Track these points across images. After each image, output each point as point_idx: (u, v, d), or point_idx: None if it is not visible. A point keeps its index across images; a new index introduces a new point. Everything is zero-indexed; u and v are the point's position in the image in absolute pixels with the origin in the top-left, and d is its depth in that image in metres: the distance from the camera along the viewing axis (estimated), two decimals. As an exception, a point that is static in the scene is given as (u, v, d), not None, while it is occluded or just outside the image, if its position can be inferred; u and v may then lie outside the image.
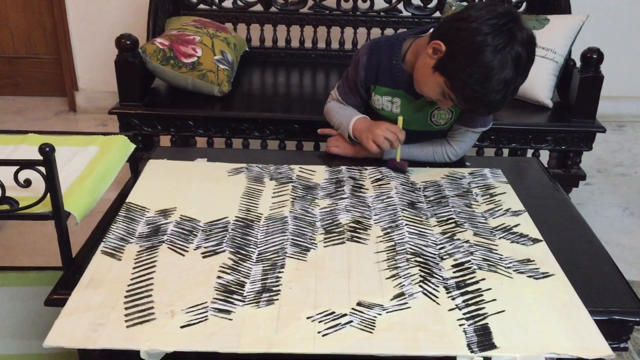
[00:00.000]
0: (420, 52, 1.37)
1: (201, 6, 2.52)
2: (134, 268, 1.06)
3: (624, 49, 2.98)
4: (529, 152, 2.13)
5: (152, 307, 0.97)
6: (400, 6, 2.51)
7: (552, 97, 2.14)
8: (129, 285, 1.02)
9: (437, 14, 2.51)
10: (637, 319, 1.02)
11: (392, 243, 1.16)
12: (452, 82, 1.27)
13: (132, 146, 1.42)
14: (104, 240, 1.14)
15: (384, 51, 1.47)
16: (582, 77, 1.99)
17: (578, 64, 2.06)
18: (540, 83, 2.08)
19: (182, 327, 0.93)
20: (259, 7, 2.52)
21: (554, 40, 2.11)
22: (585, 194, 2.43)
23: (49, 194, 1.07)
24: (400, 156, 1.44)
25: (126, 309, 0.96)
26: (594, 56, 1.97)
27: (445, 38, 1.28)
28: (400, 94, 1.47)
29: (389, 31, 2.57)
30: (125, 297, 0.99)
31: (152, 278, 1.04)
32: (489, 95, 1.23)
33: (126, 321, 0.94)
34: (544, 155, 2.25)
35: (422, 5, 2.50)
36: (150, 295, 0.99)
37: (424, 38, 1.39)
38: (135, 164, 1.45)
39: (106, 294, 0.99)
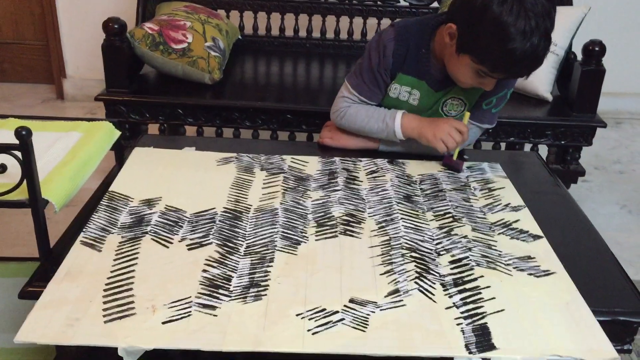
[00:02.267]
0: (444, 45, 1.30)
1: (193, -8, 2.45)
2: (115, 260, 1.01)
3: (623, 44, 2.94)
4: (527, 147, 2.09)
5: (132, 302, 0.91)
6: (398, -4, 2.46)
7: (552, 91, 2.10)
8: (108, 278, 0.96)
9: (435, 4, 2.45)
10: (643, 320, 0.97)
11: (387, 237, 1.11)
12: (477, 55, 1.21)
13: (117, 133, 1.36)
14: (83, 230, 1.08)
15: (412, 37, 1.36)
16: (584, 71, 1.95)
17: (579, 57, 2.02)
18: (540, 76, 2.04)
19: (163, 323, 0.88)
20: (253, -6, 2.46)
21: (555, 32, 2.02)
22: (582, 191, 2.39)
23: (25, 181, 1.01)
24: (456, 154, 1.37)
25: (105, 303, 0.91)
26: (596, 49, 1.92)
27: (454, 18, 1.24)
28: (422, 86, 1.39)
29: (386, 21, 2.52)
30: (104, 290, 0.94)
31: (133, 271, 0.98)
32: (515, 52, 1.16)
33: (104, 316, 0.88)
34: (542, 150, 2.21)
35: (419, -5, 2.45)
36: (130, 289, 0.94)
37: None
38: (121, 152, 1.39)
39: (84, 287, 0.94)
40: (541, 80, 2.04)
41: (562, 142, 2.00)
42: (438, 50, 1.35)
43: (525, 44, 1.16)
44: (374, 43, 1.40)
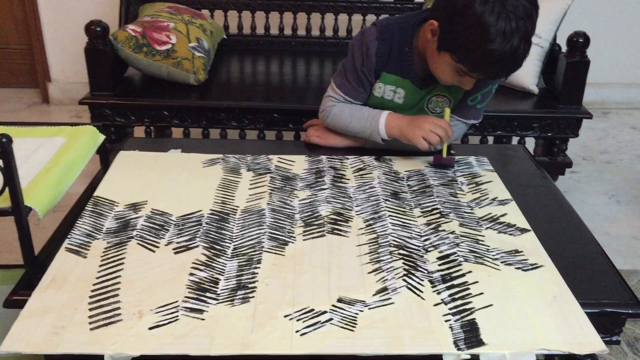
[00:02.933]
0: (426, 42, 1.30)
1: (176, -8, 2.44)
2: (100, 266, 1.00)
3: (608, 35, 2.96)
4: (515, 140, 2.09)
5: (118, 308, 0.90)
6: (382, -8, 2.46)
7: (538, 83, 2.10)
8: (94, 285, 0.95)
9: (420, -1, 2.45)
10: (630, 311, 0.97)
11: (375, 235, 1.11)
12: (456, 54, 1.21)
13: (101, 137, 1.35)
14: (68, 236, 1.07)
15: (395, 36, 1.35)
16: (568, 62, 1.95)
17: (564, 49, 2.02)
18: (525, 69, 2.01)
19: (150, 328, 0.87)
20: (237, -7, 2.45)
21: (539, 24, 2.01)
22: (571, 181, 2.40)
23: (7, 188, 0.99)
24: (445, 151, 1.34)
25: (90, 310, 0.90)
26: (580, 40, 1.93)
27: (437, 14, 1.24)
28: (406, 85, 1.38)
29: (371, 17, 2.51)
30: (90, 297, 0.93)
31: (119, 276, 0.97)
32: (493, 52, 1.16)
33: (90, 323, 0.87)
34: (530, 143, 2.21)
35: (404, -10, 2.45)
36: (117, 295, 0.93)
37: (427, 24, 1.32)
38: (106, 156, 1.38)
39: (69, 295, 0.93)
40: (527, 73, 2.05)
41: (549, 134, 2.00)
42: (421, 47, 1.34)
43: (504, 46, 1.15)
44: (357, 43, 1.39)
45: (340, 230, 1.12)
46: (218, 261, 1.02)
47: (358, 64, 1.38)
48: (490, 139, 2.09)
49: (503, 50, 1.15)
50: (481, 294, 0.96)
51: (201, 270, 1.00)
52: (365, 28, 1.41)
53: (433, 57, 1.28)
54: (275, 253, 1.05)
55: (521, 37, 1.16)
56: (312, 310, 0.92)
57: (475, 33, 1.16)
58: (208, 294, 0.94)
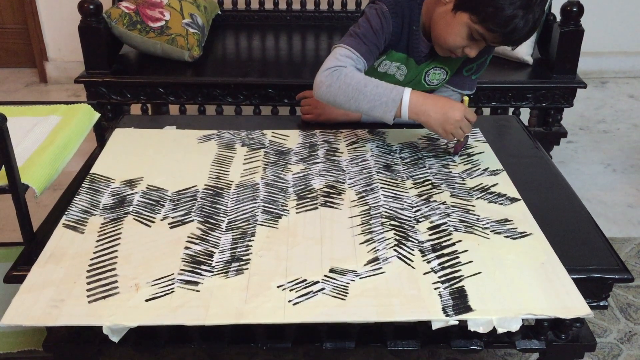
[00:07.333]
0: (433, 8, 1.28)
1: (170, -32, 2.42)
2: (97, 241, 1.02)
3: (606, 3, 2.93)
4: (510, 111, 2.10)
5: (115, 281, 0.93)
6: (377, -37, 2.43)
7: (533, 54, 2.09)
8: (91, 259, 0.98)
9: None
10: (616, 277, 0.99)
11: (367, 207, 1.13)
12: (479, 12, 1.18)
13: (96, 115, 1.36)
14: (66, 213, 1.09)
15: (406, 13, 1.32)
16: (562, 32, 1.94)
17: (558, 18, 2.01)
18: (520, 39, 2.03)
19: (147, 300, 0.90)
20: (230, -32, 2.43)
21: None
22: (567, 151, 2.40)
23: (3, 166, 1.01)
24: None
25: (88, 283, 0.92)
26: (574, 9, 1.91)
27: None
28: (410, 62, 1.38)
29: (366, -10, 2.49)
30: (88, 271, 0.95)
31: (116, 251, 1.00)
32: (515, 17, 1.15)
33: (88, 296, 0.90)
34: (525, 114, 2.21)
35: (399, -38, 2.42)
36: (114, 269, 0.96)
37: None
38: (102, 134, 1.39)
39: (67, 269, 0.95)
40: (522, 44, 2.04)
41: (543, 105, 2.00)
42: (426, 23, 1.33)
43: (527, 12, 1.15)
44: (372, 10, 1.31)
45: (333, 202, 1.14)
46: (213, 235, 1.05)
47: (377, 26, 1.29)
48: (486, 111, 2.09)
49: (525, 17, 1.15)
50: (470, 262, 0.98)
51: (196, 244, 1.02)
52: (370, 4, 1.34)
53: (445, 19, 1.24)
54: (268, 226, 1.07)
55: (541, 8, 1.18)
56: (305, 280, 0.94)
57: None
58: (203, 267, 0.96)
